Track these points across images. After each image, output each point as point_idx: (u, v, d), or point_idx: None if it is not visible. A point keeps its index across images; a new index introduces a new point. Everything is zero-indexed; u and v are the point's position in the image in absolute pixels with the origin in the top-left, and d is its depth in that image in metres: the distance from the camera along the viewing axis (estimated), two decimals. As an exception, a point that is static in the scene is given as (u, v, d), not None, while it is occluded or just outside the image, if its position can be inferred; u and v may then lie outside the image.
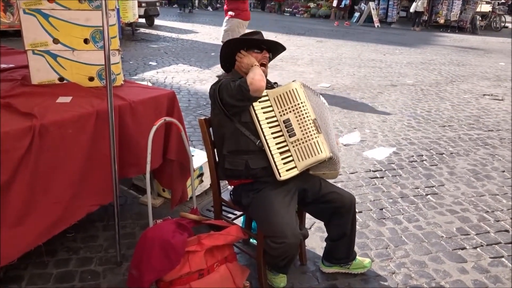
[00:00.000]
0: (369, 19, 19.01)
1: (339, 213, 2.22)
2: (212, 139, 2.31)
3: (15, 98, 2.33)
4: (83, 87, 2.61)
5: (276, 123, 2.10)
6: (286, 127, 2.09)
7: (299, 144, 2.07)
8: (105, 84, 2.18)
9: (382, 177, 3.80)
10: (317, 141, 2.05)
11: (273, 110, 2.11)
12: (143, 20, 13.71)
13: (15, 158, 1.94)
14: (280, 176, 2.04)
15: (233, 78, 2.15)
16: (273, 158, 2.05)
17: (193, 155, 2.75)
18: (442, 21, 18.69)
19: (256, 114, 2.07)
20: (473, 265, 2.61)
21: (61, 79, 2.63)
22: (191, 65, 8.34)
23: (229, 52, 2.27)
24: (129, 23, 11.61)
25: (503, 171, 4.04)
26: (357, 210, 2.43)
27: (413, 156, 4.33)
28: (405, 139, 4.81)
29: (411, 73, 8.74)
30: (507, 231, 3.00)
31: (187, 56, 9.36)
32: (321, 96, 2.39)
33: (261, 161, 2.09)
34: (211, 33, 13.68)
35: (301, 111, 2.08)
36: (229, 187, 2.41)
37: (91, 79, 2.67)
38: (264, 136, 2.06)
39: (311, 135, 2.06)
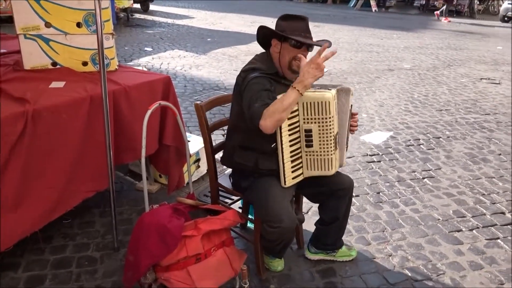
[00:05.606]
0: (367, 4, 18.82)
1: (336, 196, 2.21)
2: (209, 124, 2.28)
3: (7, 83, 2.30)
4: (76, 72, 2.58)
5: (296, 129, 1.99)
6: (306, 137, 2.00)
7: (313, 155, 2.03)
8: (99, 69, 2.14)
9: (379, 161, 3.80)
10: (331, 158, 2.01)
11: (298, 115, 1.98)
12: (138, 6, 13.51)
13: (8, 144, 1.92)
14: (285, 184, 2.02)
15: (264, 86, 1.94)
16: (283, 166, 1.99)
17: (189, 141, 2.74)
18: (440, 5, 18.52)
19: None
20: (469, 247, 2.62)
21: (54, 64, 2.59)
22: (187, 51, 8.26)
23: (267, 34, 2.08)
24: (124, 9, 11.46)
25: (500, 154, 4.05)
26: (354, 194, 2.43)
27: (410, 140, 4.33)
28: (402, 123, 4.80)
29: (408, 58, 8.69)
30: (503, 213, 3.01)
31: (183, 41, 9.26)
32: (351, 94, 2.09)
33: (271, 163, 2.04)
34: (207, 18, 13.53)
35: (327, 125, 1.96)
36: (226, 172, 2.40)
37: (84, 63, 2.63)
38: (282, 145, 1.96)
39: (327, 151, 2.00)
